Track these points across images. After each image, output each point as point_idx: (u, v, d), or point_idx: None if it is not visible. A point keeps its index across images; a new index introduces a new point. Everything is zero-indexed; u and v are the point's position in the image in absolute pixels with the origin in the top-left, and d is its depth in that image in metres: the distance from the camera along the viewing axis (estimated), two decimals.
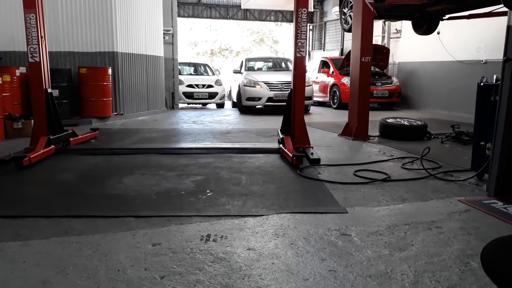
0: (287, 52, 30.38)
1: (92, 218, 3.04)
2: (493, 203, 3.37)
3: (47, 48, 5.52)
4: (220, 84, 13.30)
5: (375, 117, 7.28)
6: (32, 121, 5.72)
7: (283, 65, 12.90)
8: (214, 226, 2.89)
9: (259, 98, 10.61)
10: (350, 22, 8.08)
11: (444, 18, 8.30)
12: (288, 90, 8.67)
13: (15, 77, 7.38)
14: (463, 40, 10.35)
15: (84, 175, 4.37)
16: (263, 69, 12.93)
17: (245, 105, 10.93)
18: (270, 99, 10.58)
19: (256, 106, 11.33)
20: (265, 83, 10.70)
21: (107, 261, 2.35)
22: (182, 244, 2.57)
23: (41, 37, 5.30)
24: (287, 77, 10.52)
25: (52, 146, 5.23)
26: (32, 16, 5.20)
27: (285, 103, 8.08)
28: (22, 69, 7.63)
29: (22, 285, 2.09)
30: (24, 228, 2.85)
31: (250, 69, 12.35)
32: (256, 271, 2.25)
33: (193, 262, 2.33)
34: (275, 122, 7.76)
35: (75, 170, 4.55)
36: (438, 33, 9.76)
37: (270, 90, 10.59)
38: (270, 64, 13.33)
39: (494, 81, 3.97)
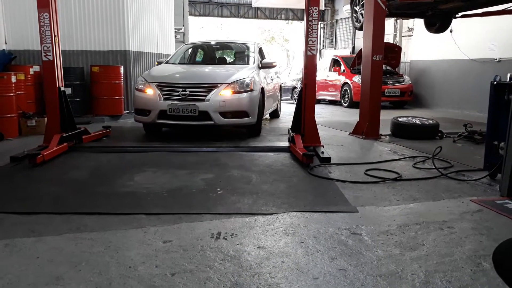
0: (298, 50, 30.32)
1: (104, 215, 3.08)
2: (506, 203, 3.33)
3: (60, 46, 5.59)
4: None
5: (387, 116, 7.23)
6: (46, 119, 5.79)
7: (241, 55, 8.23)
8: (224, 224, 2.90)
9: (148, 112, 6.11)
10: (361, 20, 8.03)
11: (456, 16, 8.21)
12: (203, 99, 5.84)
13: (29, 76, 7.48)
14: (476, 38, 10.22)
15: (96, 173, 4.41)
16: (198, 61, 8.13)
17: (137, 121, 6.56)
18: (162, 114, 5.98)
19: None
20: (160, 85, 6.12)
21: (118, 257, 2.37)
22: (193, 242, 2.59)
23: (55, 36, 5.36)
24: (226, 73, 6.42)
25: (65, 144, 5.30)
26: (46, 15, 5.26)
27: (192, 122, 5.84)
28: (36, 68, 7.73)
29: (36, 280, 2.12)
30: (37, 224, 2.89)
31: (176, 59, 7.54)
32: (266, 269, 2.25)
33: (204, 260, 2.35)
34: None
35: (88, 168, 4.60)
36: (451, 31, 9.64)
37: (165, 99, 5.97)
38: (218, 53, 8.61)
39: (507, 80, 3.92)
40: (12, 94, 6.46)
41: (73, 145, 5.51)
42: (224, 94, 5.97)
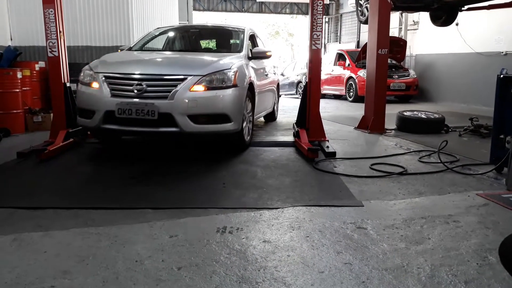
0: (303, 45, 30.20)
1: (110, 209, 3.09)
2: None
3: (66, 42, 5.60)
4: None
5: (392, 110, 7.20)
6: (51, 114, 5.82)
7: (226, 41, 6.45)
8: (230, 218, 2.91)
9: (92, 113, 4.49)
10: (366, 14, 7.99)
11: (463, 9, 8.15)
12: (166, 96, 4.22)
13: (34, 72, 7.50)
14: (482, 31, 10.14)
15: (102, 168, 4.43)
16: (176, 48, 6.41)
17: (80, 125, 4.94)
18: (109, 117, 4.35)
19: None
20: (108, 77, 4.50)
21: (125, 252, 2.39)
22: (199, 236, 2.60)
23: (60, 31, 5.37)
24: (201, 62, 4.78)
25: (71, 139, 5.32)
26: (51, 11, 5.27)
27: (149, 129, 4.31)
28: (41, 64, 7.76)
29: (43, 274, 2.14)
30: (45, 219, 2.91)
31: (143, 46, 5.92)
32: (271, 263, 2.26)
33: (210, 254, 2.36)
34: None
35: (93, 163, 4.62)
36: (457, 24, 9.57)
37: (113, 95, 4.38)
38: (198, 39, 6.89)
39: None
40: (18, 90, 6.49)
41: (79, 141, 5.54)
42: (196, 90, 4.36)
